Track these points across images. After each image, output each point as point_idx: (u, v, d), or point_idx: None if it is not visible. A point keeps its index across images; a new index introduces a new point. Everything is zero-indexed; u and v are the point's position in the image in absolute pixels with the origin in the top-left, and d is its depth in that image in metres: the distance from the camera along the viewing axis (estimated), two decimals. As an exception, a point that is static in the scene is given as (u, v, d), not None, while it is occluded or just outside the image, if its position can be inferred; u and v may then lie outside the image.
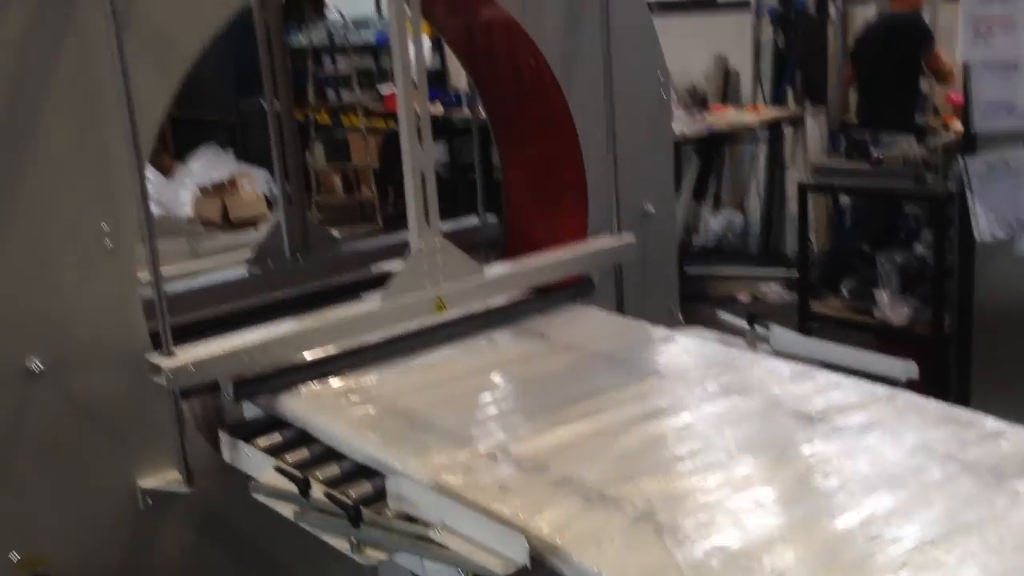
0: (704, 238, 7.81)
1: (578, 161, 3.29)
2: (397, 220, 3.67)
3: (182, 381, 2.33)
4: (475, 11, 3.23)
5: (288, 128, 3.24)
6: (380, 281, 2.80)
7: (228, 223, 8.06)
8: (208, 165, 9.10)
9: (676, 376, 2.59)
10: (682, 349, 2.80)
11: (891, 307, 4.70)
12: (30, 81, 2.20)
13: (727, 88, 8.03)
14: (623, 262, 3.25)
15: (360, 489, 2.17)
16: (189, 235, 4.60)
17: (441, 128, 7.86)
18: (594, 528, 1.87)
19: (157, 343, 2.36)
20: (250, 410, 2.60)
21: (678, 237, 6.51)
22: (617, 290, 3.28)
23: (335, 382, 2.61)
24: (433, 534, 1.93)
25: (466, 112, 6.84)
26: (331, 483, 2.22)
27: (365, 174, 8.71)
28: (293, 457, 2.35)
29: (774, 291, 6.53)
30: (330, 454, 2.34)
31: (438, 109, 7.84)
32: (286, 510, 2.10)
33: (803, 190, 5.13)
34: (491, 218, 3.74)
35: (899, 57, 5.88)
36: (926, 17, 6.29)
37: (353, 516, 1.95)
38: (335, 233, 3.42)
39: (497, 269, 2.97)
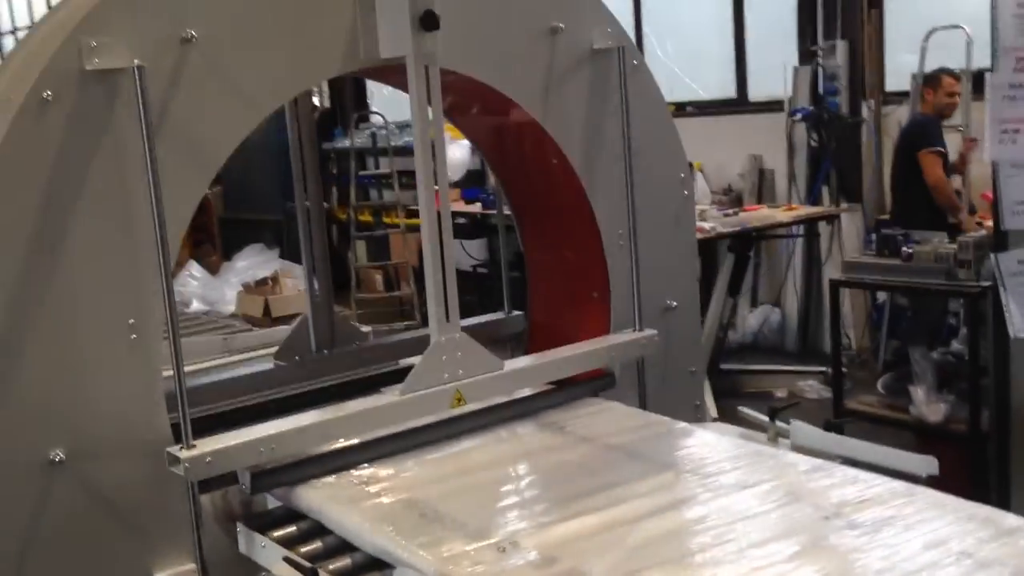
0: (741, 334, 7.80)
1: (600, 257, 3.34)
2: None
3: (200, 473, 2.37)
4: (498, 114, 3.32)
5: (317, 227, 3.33)
6: (405, 374, 2.84)
7: (270, 319, 8.20)
8: (253, 263, 9.32)
9: (692, 470, 2.58)
10: (700, 443, 2.79)
11: (927, 404, 4.65)
12: (67, 182, 2.30)
13: (762, 186, 8.11)
14: (644, 356, 3.27)
15: (373, 580, 2.18)
16: (225, 330, 4.68)
17: (480, 225, 7.99)
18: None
19: (178, 435, 2.41)
20: (273, 503, 2.63)
21: (713, 333, 6.55)
22: (639, 384, 3.29)
23: (352, 474, 2.64)
24: (438, 627, 1.93)
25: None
26: (341, 575, 2.23)
27: (404, 271, 8.85)
28: (307, 548, 2.36)
29: (812, 387, 6.48)
30: (344, 546, 2.36)
31: (477, 208, 7.97)
32: (294, 601, 2.11)
33: (835, 286, 5.13)
34: (517, 313, 3.79)
35: (910, 160, 5.96)
36: (959, 118, 6.35)
37: (358, 608, 1.96)
38: (363, 328, 3.48)
39: (516, 363, 3.00)
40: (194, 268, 9.27)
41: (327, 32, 2.71)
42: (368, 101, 10.92)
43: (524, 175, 3.53)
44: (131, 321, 2.36)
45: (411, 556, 2.14)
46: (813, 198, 7.64)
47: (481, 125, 3.53)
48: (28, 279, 2.27)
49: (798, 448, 2.76)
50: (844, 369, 6.64)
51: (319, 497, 2.51)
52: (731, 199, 7.91)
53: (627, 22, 9.07)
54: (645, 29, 9.12)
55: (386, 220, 9.54)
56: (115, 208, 2.35)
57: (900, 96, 7.25)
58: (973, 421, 4.54)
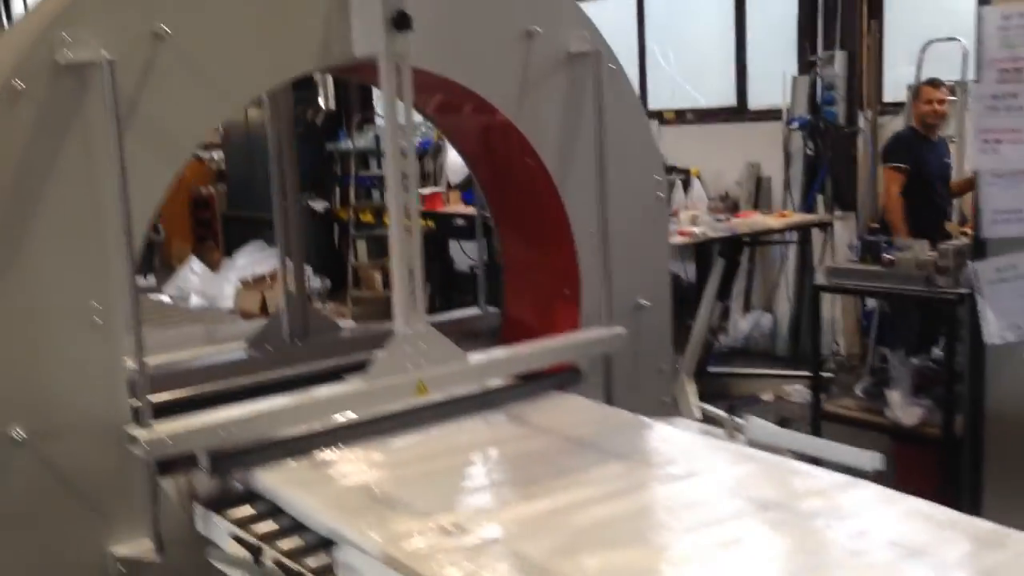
0: (732, 339, 7.85)
1: (572, 256, 3.40)
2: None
3: (158, 452, 2.44)
4: (473, 114, 3.39)
5: (293, 220, 3.41)
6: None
7: (267, 315, 8.27)
8: (253, 260, 9.41)
9: (644, 461, 2.64)
10: (657, 436, 2.86)
11: (902, 408, 4.69)
12: (35, 170, 2.37)
13: (759, 194, 8.16)
14: (611, 353, 3.33)
15: (319, 560, 2.25)
16: (208, 321, 4.76)
17: (475, 227, 8.04)
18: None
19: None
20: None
21: (702, 337, 6.59)
22: (605, 380, 3.35)
23: (311, 458, 2.71)
24: (374, 602, 2.00)
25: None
26: (294, 554, 2.30)
27: (403, 271, 8.92)
28: (261, 528, 2.43)
29: (798, 391, 6.52)
30: (297, 527, 2.43)
31: (471, 210, 8.03)
32: (238, 575, 2.18)
33: (817, 291, 5.18)
34: (493, 309, 3.86)
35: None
36: (952, 129, 6.40)
37: (299, 583, 2.03)
38: (337, 321, 3.55)
39: (481, 356, 3.07)
40: (195, 264, 9.37)
41: (300, 29, 2.78)
42: (374, 103, 11.02)
43: (500, 174, 3.60)
44: (95, 306, 2.43)
45: (356, 535, 2.21)
46: (808, 206, 7.69)
47: (458, 125, 3.60)
48: None
49: (753, 443, 2.81)
50: (832, 374, 6.73)
51: (276, 479, 2.58)
52: (727, 206, 7.95)
53: (630, 30, 9.16)
54: (648, 37, 9.19)
55: (387, 220, 9.62)
56: (82, 196, 2.42)
57: (897, 107, 7.30)
58: (947, 425, 4.58)
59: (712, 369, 7.00)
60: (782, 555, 2.09)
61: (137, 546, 2.49)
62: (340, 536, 2.24)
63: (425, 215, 9.14)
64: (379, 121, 10.45)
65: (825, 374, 6.73)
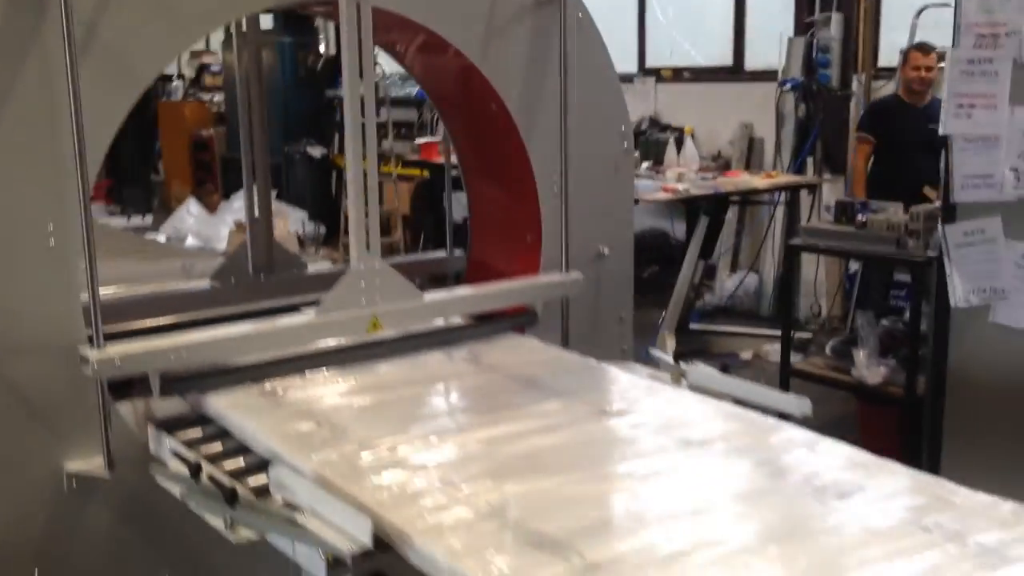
0: (719, 298, 7.92)
1: (534, 202, 3.47)
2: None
3: (108, 373, 2.52)
4: (436, 57, 3.43)
5: (260, 156, 3.46)
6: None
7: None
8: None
9: (584, 400, 2.72)
10: (601, 378, 2.94)
11: (867, 367, 4.77)
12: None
13: (751, 155, 8.19)
14: (568, 298, 3.40)
15: (258, 479, 2.34)
16: (185, 256, 4.84)
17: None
18: (445, 521, 2.01)
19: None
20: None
21: (684, 293, 6.66)
22: (563, 325, 3.42)
23: (260, 386, 2.79)
24: (299, 517, 2.09)
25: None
26: (233, 474, 2.39)
27: (395, 219, 9.00)
28: (208, 450, 2.52)
29: (775, 350, 6.56)
30: (242, 448, 2.52)
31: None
32: (176, 490, 2.27)
33: (791, 251, 5.24)
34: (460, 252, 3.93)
35: None
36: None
37: (229, 497, 2.12)
38: (301, 256, 3.63)
39: (435, 294, 3.14)
40: (192, 205, 9.44)
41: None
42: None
43: (466, 120, 3.65)
44: (50, 228, 2.50)
45: (291, 455, 2.30)
46: (797, 168, 7.72)
47: (426, 69, 3.65)
48: None
49: (694, 387, 2.89)
50: (811, 335, 6.80)
51: (225, 404, 2.67)
52: (719, 165, 7.99)
53: (630, -15, 9.15)
54: (647, -8, 9.18)
55: (384, 169, 9.68)
56: (39, 122, 2.47)
57: (891, 72, 7.29)
58: (909, 386, 4.66)
59: (694, 326, 7.08)
60: (697, 486, 2.16)
61: (89, 463, 2.58)
62: (277, 456, 2.33)
63: (420, 164, 9.22)
64: (376, 70, 10.48)
65: (803, 334, 6.82)
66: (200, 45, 12.41)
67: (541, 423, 2.53)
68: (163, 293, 3.24)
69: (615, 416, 2.58)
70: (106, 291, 3.06)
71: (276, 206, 9.38)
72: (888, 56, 7.47)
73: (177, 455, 2.39)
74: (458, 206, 9.05)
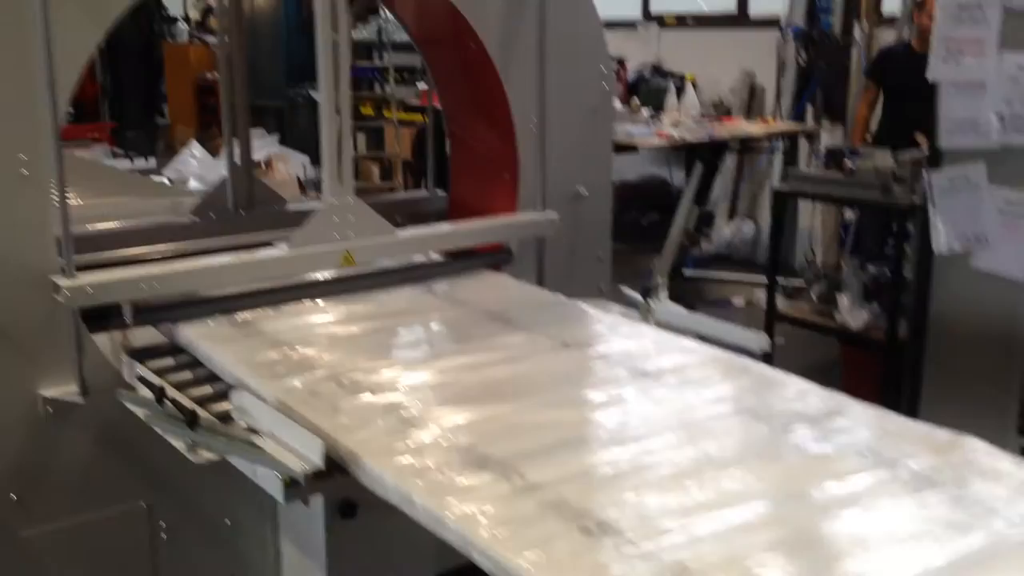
0: (716, 245, 7.95)
1: (512, 141, 3.50)
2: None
3: (79, 301, 2.58)
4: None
5: (240, 91, 3.49)
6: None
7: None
8: (253, 147, 9.45)
9: (547, 334, 2.77)
10: (568, 313, 2.99)
11: (850, 312, 4.81)
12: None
13: (752, 103, 8.17)
14: (544, 237, 3.44)
15: (223, 406, 2.40)
16: (174, 195, 4.88)
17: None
18: (397, 445, 2.07)
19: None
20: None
21: (677, 240, 6.69)
22: (538, 263, 3.47)
23: (232, 317, 2.85)
24: (257, 440, 2.15)
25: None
26: (202, 400, 2.46)
27: (397, 164, 9.03)
28: (177, 378, 2.59)
29: (767, 298, 6.61)
30: (212, 377, 2.58)
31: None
32: (141, 413, 2.34)
33: (779, 197, 5.25)
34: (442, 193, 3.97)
35: None
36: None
37: (190, 420, 2.18)
38: (281, 194, 3.68)
39: (408, 231, 3.18)
40: (195, 148, 9.44)
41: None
42: (378, -5, 10.98)
43: (445, 57, 3.67)
44: (22, 158, 2.55)
45: (254, 381, 2.36)
46: (797, 115, 7.70)
47: (408, 9, 3.66)
48: None
49: (660, 323, 2.94)
50: (805, 282, 6.82)
51: (196, 333, 2.73)
52: (719, 113, 7.98)
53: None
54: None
55: (386, 114, 9.69)
56: (9, 50, 2.51)
57: (891, 21, 7.25)
58: (891, 330, 4.70)
59: (688, 273, 7.11)
60: (646, 415, 2.22)
61: (64, 389, 2.65)
62: (241, 383, 2.39)
63: (422, 109, 9.22)
64: (383, 12, 10.44)
65: (796, 281, 6.84)
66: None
67: (503, 355, 2.58)
68: (141, 226, 3.28)
69: (575, 348, 2.63)
70: (94, 226, 3.15)
71: (280, 150, 9.48)
72: (891, 4, 7.41)
73: (143, 380, 2.46)
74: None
